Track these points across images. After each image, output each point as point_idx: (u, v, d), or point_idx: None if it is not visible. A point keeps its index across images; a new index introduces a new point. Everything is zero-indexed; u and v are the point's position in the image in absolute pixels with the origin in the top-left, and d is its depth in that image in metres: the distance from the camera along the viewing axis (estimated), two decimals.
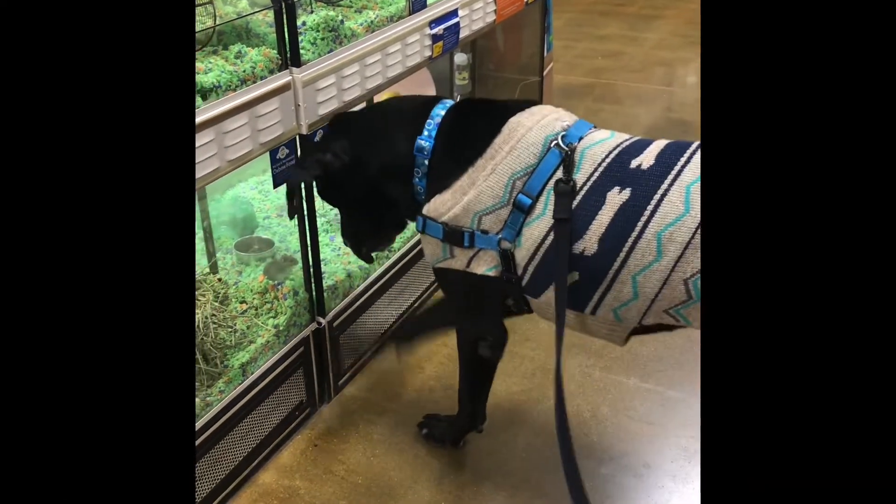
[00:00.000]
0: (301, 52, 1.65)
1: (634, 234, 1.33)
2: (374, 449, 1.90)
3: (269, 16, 1.64)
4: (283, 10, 1.59)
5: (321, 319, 1.95)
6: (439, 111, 1.56)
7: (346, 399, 2.06)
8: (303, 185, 1.74)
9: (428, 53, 2.04)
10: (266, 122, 1.58)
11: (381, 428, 1.95)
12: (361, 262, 2.09)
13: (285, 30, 1.61)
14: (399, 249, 2.22)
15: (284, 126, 1.63)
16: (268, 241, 2.22)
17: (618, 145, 1.43)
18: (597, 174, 1.39)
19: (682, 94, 4.10)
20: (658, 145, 1.41)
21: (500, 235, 1.45)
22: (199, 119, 1.43)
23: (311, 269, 1.90)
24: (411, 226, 1.76)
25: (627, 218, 1.34)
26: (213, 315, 1.79)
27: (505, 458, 1.85)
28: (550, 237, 1.40)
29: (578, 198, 1.39)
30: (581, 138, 1.44)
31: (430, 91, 2.79)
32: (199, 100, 1.46)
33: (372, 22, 1.87)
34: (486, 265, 1.48)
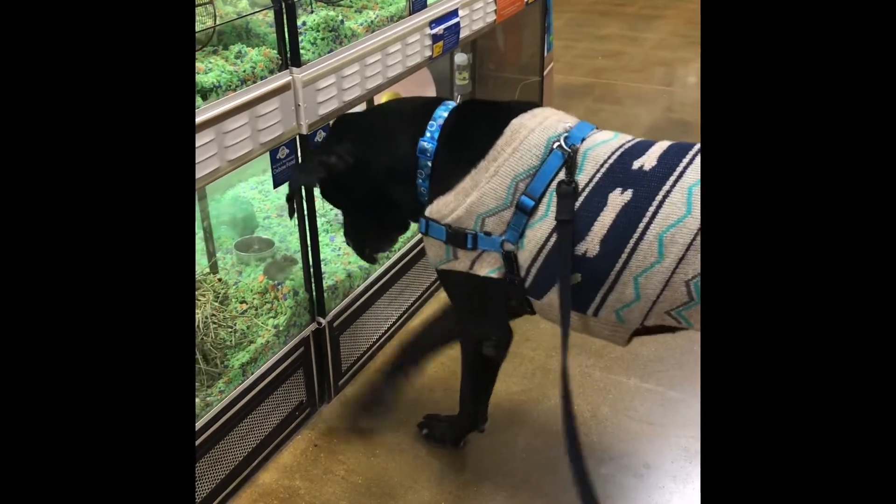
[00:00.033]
0: (301, 52, 1.65)
1: (636, 235, 1.33)
2: (374, 449, 1.90)
3: (270, 16, 1.64)
4: (284, 10, 1.59)
5: (321, 319, 1.95)
6: (441, 112, 1.56)
7: (347, 399, 2.06)
8: (303, 186, 1.74)
9: (428, 53, 2.04)
10: (266, 122, 1.58)
11: (382, 428, 1.95)
12: (362, 263, 2.09)
13: (285, 30, 1.61)
14: (399, 250, 2.22)
15: (284, 126, 1.63)
16: (268, 241, 2.22)
17: (620, 147, 1.43)
18: (599, 175, 1.39)
19: (683, 94, 4.10)
20: (660, 147, 1.41)
21: (503, 237, 1.45)
22: (199, 119, 1.43)
23: (312, 269, 1.90)
24: (412, 226, 1.76)
25: (629, 219, 1.34)
26: (214, 315, 1.79)
27: (505, 457, 1.85)
28: (553, 239, 1.40)
29: (581, 199, 1.39)
30: (583, 139, 1.44)
31: (431, 91, 2.79)
32: (199, 100, 1.46)
33: (372, 22, 1.87)
34: (489, 267, 1.48)
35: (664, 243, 1.30)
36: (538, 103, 1.58)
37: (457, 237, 1.48)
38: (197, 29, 1.57)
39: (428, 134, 1.54)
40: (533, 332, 2.19)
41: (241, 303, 1.89)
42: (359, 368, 2.14)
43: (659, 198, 1.32)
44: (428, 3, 2.05)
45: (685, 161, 1.35)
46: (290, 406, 1.91)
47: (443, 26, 2.07)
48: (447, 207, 1.48)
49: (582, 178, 1.40)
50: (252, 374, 1.77)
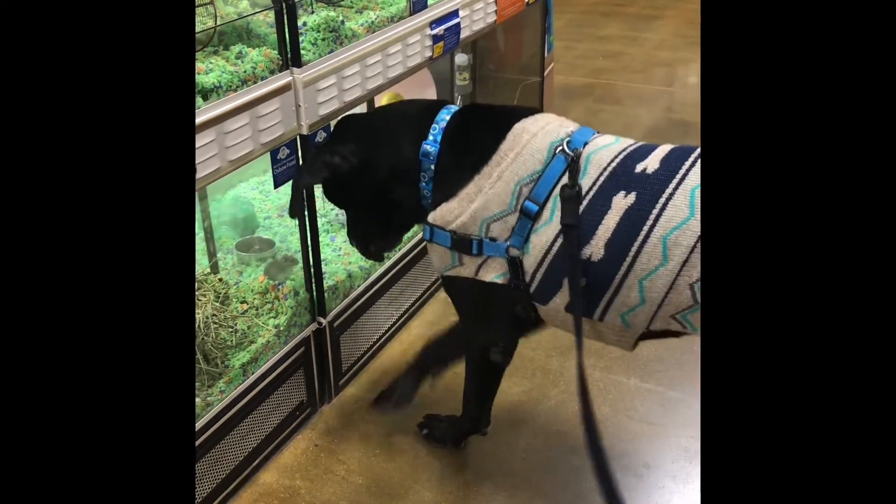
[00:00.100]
0: (302, 52, 1.65)
1: (640, 238, 1.32)
2: (374, 449, 1.90)
3: (270, 16, 1.64)
4: (284, 11, 1.59)
5: (322, 319, 1.95)
6: (444, 116, 1.56)
7: (347, 399, 2.06)
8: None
9: (429, 54, 2.05)
10: (267, 122, 1.58)
11: (382, 428, 1.96)
12: (362, 263, 2.09)
13: (286, 30, 1.61)
14: (399, 250, 2.22)
15: (285, 126, 1.63)
16: (268, 241, 2.22)
17: (623, 150, 1.43)
18: (602, 179, 1.39)
19: (683, 94, 4.10)
20: (663, 149, 1.41)
21: (508, 243, 1.45)
22: (199, 119, 1.43)
23: (312, 270, 1.90)
24: (414, 226, 1.77)
25: (633, 222, 1.33)
26: (214, 315, 1.79)
27: (505, 458, 1.86)
28: (558, 243, 1.40)
29: (584, 203, 1.38)
30: (586, 143, 1.44)
31: (431, 91, 2.79)
32: (199, 100, 1.46)
33: (372, 22, 1.87)
34: (494, 272, 1.48)
35: (668, 246, 1.30)
36: (539, 109, 1.58)
37: (462, 243, 1.48)
38: (197, 29, 1.57)
39: (430, 137, 1.54)
40: (533, 333, 2.19)
41: (242, 303, 1.90)
42: (359, 368, 2.14)
43: (662, 200, 1.32)
44: (428, 3, 2.05)
45: (688, 164, 1.35)
46: (290, 406, 1.91)
47: (443, 27, 2.08)
48: (451, 213, 1.48)
49: (585, 182, 1.40)
50: (252, 374, 1.77)
